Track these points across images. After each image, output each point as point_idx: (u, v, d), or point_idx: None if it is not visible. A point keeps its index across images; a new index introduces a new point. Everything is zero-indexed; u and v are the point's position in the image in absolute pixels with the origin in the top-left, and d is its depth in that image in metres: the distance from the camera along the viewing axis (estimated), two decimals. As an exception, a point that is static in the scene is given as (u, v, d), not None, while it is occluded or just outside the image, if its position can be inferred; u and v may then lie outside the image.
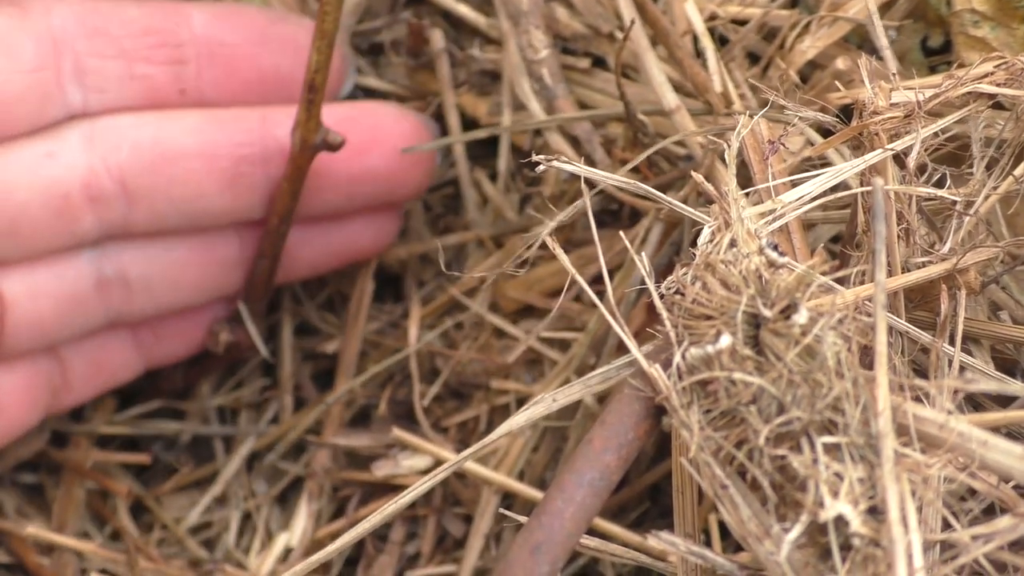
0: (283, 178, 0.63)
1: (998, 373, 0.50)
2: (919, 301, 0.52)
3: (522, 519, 0.50)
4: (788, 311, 0.43)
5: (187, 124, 0.63)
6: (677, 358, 0.45)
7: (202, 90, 0.64)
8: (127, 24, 0.62)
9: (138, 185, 0.62)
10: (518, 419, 0.49)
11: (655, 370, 0.45)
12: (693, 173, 0.50)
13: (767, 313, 0.43)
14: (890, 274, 0.50)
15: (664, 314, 0.46)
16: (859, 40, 0.61)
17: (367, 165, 0.65)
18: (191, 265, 0.66)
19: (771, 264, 0.45)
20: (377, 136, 0.65)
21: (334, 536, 0.65)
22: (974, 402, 0.51)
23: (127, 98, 0.63)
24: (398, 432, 0.66)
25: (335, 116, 0.62)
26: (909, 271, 0.51)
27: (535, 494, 0.63)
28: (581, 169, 0.51)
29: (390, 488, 0.68)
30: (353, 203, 0.67)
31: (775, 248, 0.46)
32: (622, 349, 0.49)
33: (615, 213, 0.66)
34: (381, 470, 0.67)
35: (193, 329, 0.69)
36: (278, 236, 0.65)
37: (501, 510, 0.57)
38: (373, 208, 0.68)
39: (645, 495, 0.64)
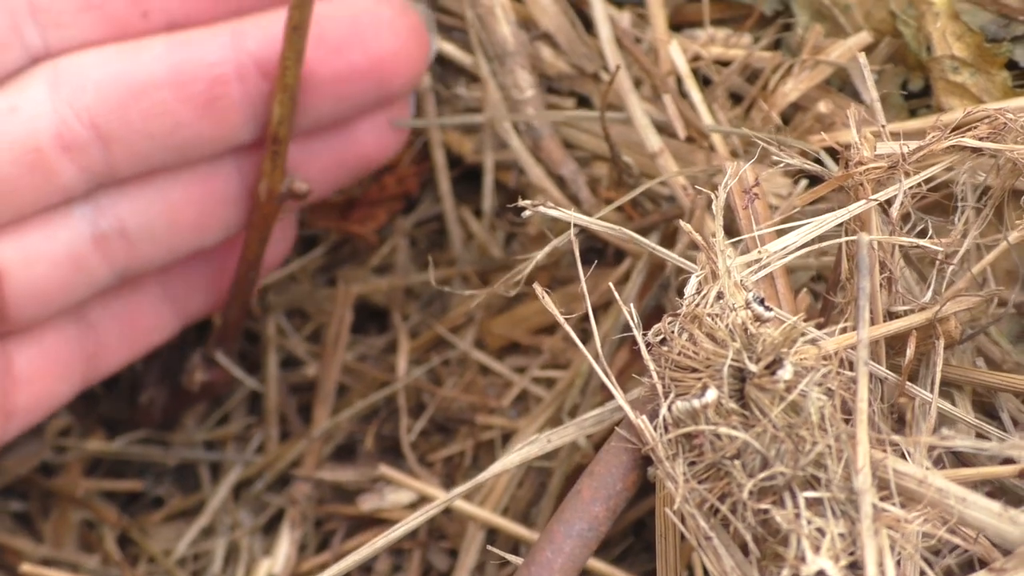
0: (249, 227, 0.61)
1: (977, 420, 0.51)
2: (900, 348, 0.53)
3: (508, 556, 0.50)
4: (773, 366, 0.44)
5: (152, 52, 0.59)
6: (663, 410, 0.45)
7: (168, 9, 0.59)
8: None
9: (110, 125, 0.58)
10: (512, 458, 0.50)
11: (642, 421, 0.46)
12: (682, 223, 0.51)
13: (753, 368, 0.44)
14: (872, 322, 0.51)
15: (651, 365, 0.46)
16: (840, 83, 0.62)
17: (349, 62, 0.60)
18: (190, 204, 0.62)
19: (757, 318, 0.46)
20: (355, 30, 0.60)
21: (320, 569, 0.65)
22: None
23: (87, 31, 0.59)
24: (385, 470, 0.66)
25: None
26: (893, 318, 0.51)
27: (519, 530, 0.63)
28: (568, 215, 0.51)
29: (375, 521, 0.68)
30: (343, 106, 0.61)
31: (761, 302, 0.46)
32: (607, 388, 0.49)
33: (599, 252, 0.66)
34: (367, 504, 0.68)
35: (217, 278, 0.66)
36: (247, 282, 0.64)
37: (489, 547, 0.57)
38: (374, 109, 0.63)
39: (629, 530, 0.65)
